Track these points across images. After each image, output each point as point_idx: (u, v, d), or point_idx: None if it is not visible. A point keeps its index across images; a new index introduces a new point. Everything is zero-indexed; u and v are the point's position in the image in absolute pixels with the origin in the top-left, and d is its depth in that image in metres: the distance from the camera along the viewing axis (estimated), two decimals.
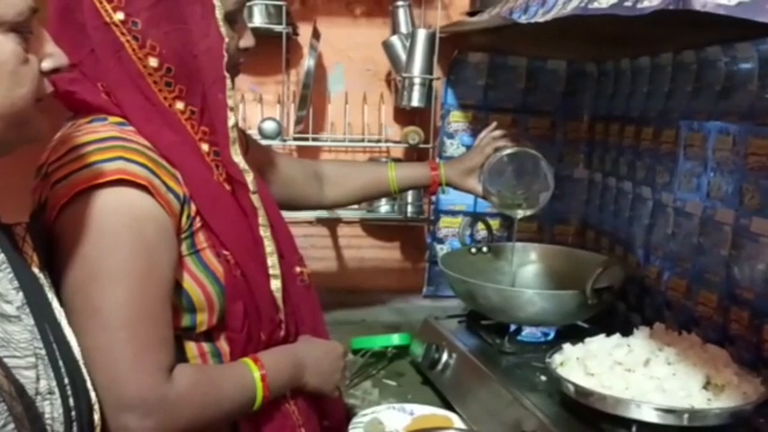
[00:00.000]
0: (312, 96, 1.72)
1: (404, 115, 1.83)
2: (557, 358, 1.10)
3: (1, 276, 0.67)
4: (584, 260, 1.48)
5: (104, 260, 0.80)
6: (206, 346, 0.93)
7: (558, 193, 1.84)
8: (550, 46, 1.66)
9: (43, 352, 0.65)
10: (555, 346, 1.20)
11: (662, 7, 0.64)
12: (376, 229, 1.86)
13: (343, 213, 1.79)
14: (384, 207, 1.80)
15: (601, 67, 1.76)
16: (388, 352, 1.54)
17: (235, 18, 0.95)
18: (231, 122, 0.90)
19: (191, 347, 0.92)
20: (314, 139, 1.77)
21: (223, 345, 0.93)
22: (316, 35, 1.69)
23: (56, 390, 0.65)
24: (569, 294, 1.28)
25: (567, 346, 1.12)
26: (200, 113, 0.90)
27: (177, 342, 0.88)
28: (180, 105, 0.89)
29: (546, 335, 1.39)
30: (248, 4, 1.63)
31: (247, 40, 0.99)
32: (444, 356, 1.37)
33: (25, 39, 0.63)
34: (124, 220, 0.81)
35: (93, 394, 0.73)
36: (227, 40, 0.89)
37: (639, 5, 0.68)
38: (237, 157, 0.92)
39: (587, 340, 1.13)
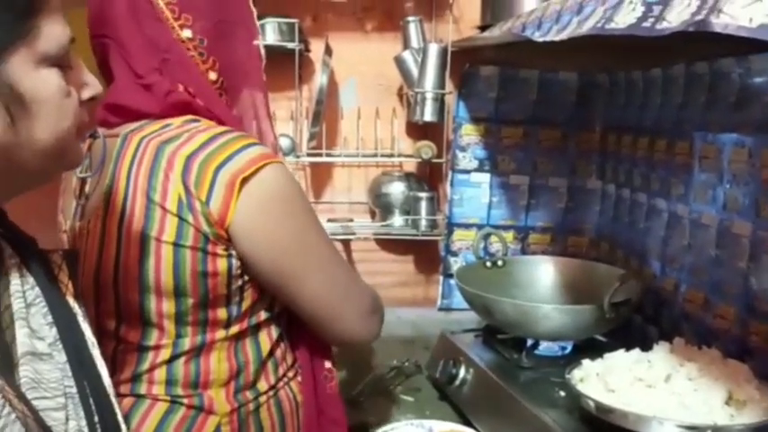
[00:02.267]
0: (325, 112, 1.73)
1: (416, 129, 1.84)
2: (576, 374, 1.10)
3: (35, 311, 0.67)
4: (600, 273, 1.48)
5: (304, 221, 0.93)
6: (275, 332, 1.01)
7: (571, 204, 1.86)
8: (562, 58, 1.66)
9: (74, 390, 0.65)
10: (573, 360, 1.20)
11: (682, 29, 0.64)
12: (389, 242, 1.87)
13: (358, 229, 1.79)
14: (398, 221, 1.80)
15: (612, 78, 1.76)
16: (405, 367, 1.54)
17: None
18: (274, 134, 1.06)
19: (265, 341, 0.99)
20: (327, 155, 1.78)
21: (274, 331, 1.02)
22: (328, 51, 1.70)
23: (85, 429, 0.65)
24: (587, 309, 1.27)
25: (586, 362, 1.12)
26: (245, 125, 1.00)
27: (255, 335, 0.98)
28: (234, 113, 0.99)
29: (563, 349, 1.39)
30: (261, 22, 1.64)
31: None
32: (462, 372, 1.37)
33: (66, 71, 0.63)
34: (296, 187, 0.94)
35: (123, 427, 0.72)
36: (264, 62, 1.01)
37: (659, 26, 0.68)
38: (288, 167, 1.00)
39: (606, 356, 1.12)
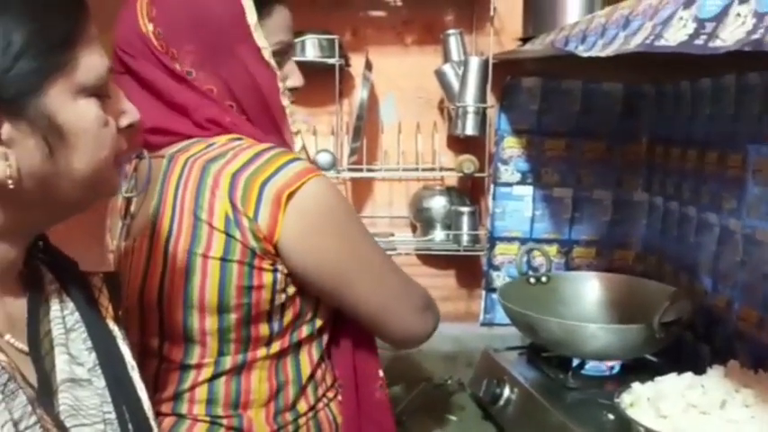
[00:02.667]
0: (365, 126, 1.72)
1: (457, 143, 1.82)
2: (626, 398, 1.06)
3: (74, 337, 0.67)
4: (648, 290, 1.44)
5: (351, 229, 0.96)
6: (315, 352, 1.01)
7: (616, 217, 1.82)
8: (606, 69, 1.63)
9: (113, 416, 0.65)
10: (621, 380, 1.17)
11: (737, 48, 0.61)
12: (431, 257, 1.85)
13: (399, 244, 1.78)
14: (439, 236, 1.78)
15: (659, 88, 1.71)
16: (448, 385, 1.52)
17: (279, 59, 0.99)
18: (298, 147, 1.00)
19: (306, 361, 0.99)
20: (368, 170, 1.77)
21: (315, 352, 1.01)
22: (368, 66, 1.69)
23: None
24: (635, 329, 1.23)
25: (636, 385, 1.08)
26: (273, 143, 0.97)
27: (296, 354, 0.98)
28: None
29: (611, 368, 1.35)
30: (301, 38, 1.65)
31: (294, 80, 1.04)
32: (506, 391, 1.34)
33: (103, 100, 0.64)
34: (340, 198, 0.96)
35: None
36: (278, 73, 0.96)
37: (711, 44, 0.66)
38: None
39: (657, 379, 1.09)
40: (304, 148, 1.02)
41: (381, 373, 1.07)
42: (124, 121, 0.67)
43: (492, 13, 1.65)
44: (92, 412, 0.64)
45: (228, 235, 0.88)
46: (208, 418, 0.94)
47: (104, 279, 0.76)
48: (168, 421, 0.94)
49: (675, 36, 0.71)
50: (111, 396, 0.66)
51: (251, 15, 0.94)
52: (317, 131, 1.79)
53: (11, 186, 0.58)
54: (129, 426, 0.67)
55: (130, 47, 0.94)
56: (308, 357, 1.00)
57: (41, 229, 0.68)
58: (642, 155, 1.78)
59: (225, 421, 0.94)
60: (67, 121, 0.60)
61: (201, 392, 0.94)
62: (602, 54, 0.91)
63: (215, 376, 0.94)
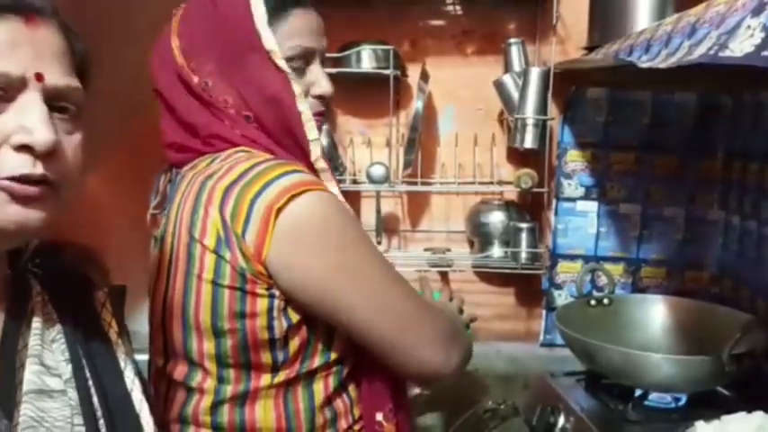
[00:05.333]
0: (421, 138, 1.68)
1: (517, 155, 1.75)
2: None
3: (55, 348, 0.65)
4: (720, 317, 1.34)
5: (348, 248, 0.87)
6: (332, 381, 0.95)
7: (688, 236, 1.71)
8: (679, 79, 1.54)
9: (82, 429, 0.63)
10: (686, 414, 1.09)
11: None
12: (489, 274, 1.78)
13: (455, 260, 1.73)
14: (497, 252, 1.72)
15: (737, 99, 1.60)
16: (501, 409, 1.46)
17: (299, 65, 0.95)
18: (315, 156, 0.93)
19: (320, 390, 0.93)
20: (423, 183, 1.72)
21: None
22: (424, 77, 1.65)
23: None
24: (703, 360, 1.14)
25: (700, 425, 1.00)
26: (291, 152, 0.93)
27: (308, 384, 0.92)
28: (273, 146, 0.93)
29: (677, 400, 1.26)
30: (356, 49, 1.63)
31: (320, 88, 0.98)
32: (561, 420, 1.27)
33: None
34: (335, 213, 0.87)
35: None
36: (291, 77, 0.91)
37: None
38: (334, 189, 0.94)
39: (725, 418, 1.00)
40: (323, 155, 0.95)
41: (380, 417, 0.97)
42: (15, 139, 0.58)
43: (555, 22, 1.59)
44: (58, 424, 0.61)
45: (219, 255, 0.84)
46: None
47: (108, 294, 0.74)
48: None
49: (741, 46, 0.64)
50: (83, 409, 0.63)
51: (260, 20, 0.91)
52: (373, 143, 1.76)
53: None
54: None
55: (160, 64, 0.95)
56: (322, 387, 0.93)
57: None
58: (718, 170, 1.67)
59: None
60: None
61: (206, 419, 0.91)
62: (663, 65, 0.84)
63: (217, 404, 0.90)
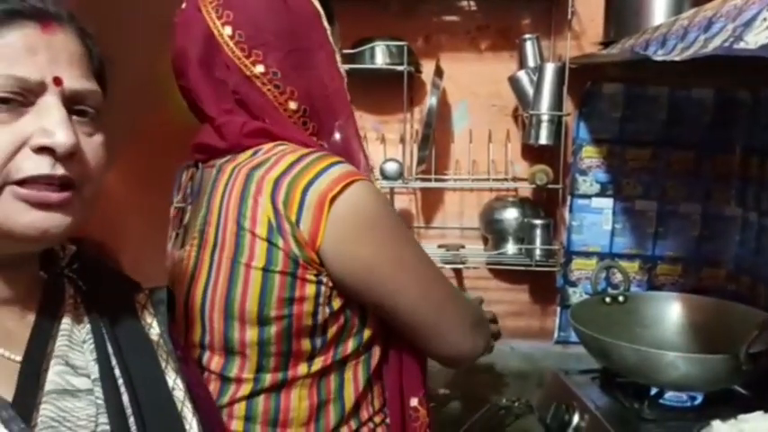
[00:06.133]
0: (435, 135, 1.67)
1: (532, 152, 1.74)
2: None
3: (84, 348, 0.66)
4: (737, 315, 1.32)
5: (395, 237, 0.91)
6: (362, 372, 0.96)
7: (705, 233, 1.69)
8: (696, 74, 1.52)
9: (107, 428, 0.63)
10: (702, 413, 1.08)
11: None
12: (503, 270, 1.77)
13: (469, 257, 1.72)
14: (511, 249, 1.71)
15: (755, 94, 1.58)
16: (515, 407, 1.45)
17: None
18: (365, 152, 0.99)
19: (350, 380, 0.95)
20: (437, 180, 1.72)
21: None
22: (438, 73, 1.64)
23: None
24: (719, 359, 1.13)
25: (716, 424, 0.99)
26: (331, 149, 0.95)
27: (340, 372, 0.94)
28: (314, 140, 0.95)
29: (693, 399, 1.25)
30: (370, 45, 1.62)
31: None
32: (575, 419, 1.26)
33: (7, 108, 0.59)
34: (384, 204, 0.92)
35: None
36: (345, 80, 0.97)
37: None
38: (378, 185, 1.00)
39: (741, 417, 0.99)
40: (364, 153, 1.00)
41: (414, 402, 1.00)
42: (34, 141, 0.59)
43: (570, 17, 1.57)
44: (81, 423, 0.61)
45: (271, 243, 0.85)
46: None
47: (149, 296, 0.75)
48: None
49: (756, 38, 0.63)
50: (109, 407, 0.63)
51: (325, 20, 0.95)
52: (386, 140, 1.76)
53: None
54: None
55: (196, 57, 0.93)
56: (352, 376, 0.95)
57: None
58: (735, 166, 1.66)
59: None
60: None
61: (240, 409, 0.92)
62: (678, 58, 0.83)
63: (254, 393, 0.91)
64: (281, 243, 0.85)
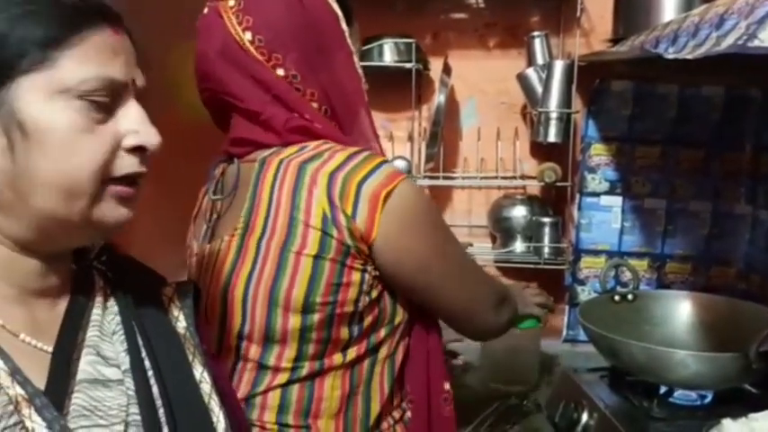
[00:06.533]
0: (444, 132, 1.67)
1: (541, 149, 1.74)
2: None
3: (114, 339, 0.67)
4: (747, 314, 1.31)
5: (440, 230, 0.99)
6: (388, 369, 1.00)
7: (715, 231, 1.69)
8: (706, 72, 1.51)
9: (138, 418, 0.63)
10: (712, 412, 1.07)
11: None
12: (511, 269, 1.77)
13: (477, 255, 1.72)
14: (519, 247, 1.71)
15: (766, 92, 1.57)
16: (524, 405, 1.45)
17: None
18: (382, 151, 1.04)
19: (378, 374, 0.99)
20: (445, 177, 1.72)
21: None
22: (446, 70, 1.64)
23: None
24: (729, 357, 1.12)
25: (726, 422, 0.98)
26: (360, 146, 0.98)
27: (371, 366, 0.98)
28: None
29: (702, 398, 1.24)
30: (378, 43, 1.62)
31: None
32: (584, 417, 1.26)
33: (102, 110, 0.61)
34: (430, 200, 1.03)
35: None
36: (363, 80, 1.00)
37: None
38: None
39: (752, 416, 0.98)
40: (383, 153, 1.04)
41: (447, 386, 1.05)
42: (128, 141, 0.63)
43: (579, 14, 1.57)
44: (112, 413, 0.62)
45: (325, 233, 0.89)
46: (276, 427, 0.94)
47: (176, 289, 0.76)
48: None
49: None
50: (139, 398, 0.64)
51: (343, 22, 0.97)
52: (395, 137, 1.75)
53: None
54: (165, 429, 0.64)
55: (223, 59, 0.95)
56: (380, 369, 0.98)
57: (45, 245, 0.64)
58: (745, 164, 1.65)
59: (293, 431, 0.94)
60: (33, 117, 0.58)
61: (274, 397, 0.94)
62: (690, 56, 0.82)
63: (290, 381, 0.94)
64: (335, 233, 0.89)
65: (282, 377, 0.93)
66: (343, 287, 0.91)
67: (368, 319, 0.94)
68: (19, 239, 0.62)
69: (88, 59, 0.60)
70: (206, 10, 0.98)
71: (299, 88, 0.94)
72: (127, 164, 0.63)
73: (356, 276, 0.91)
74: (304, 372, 0.93)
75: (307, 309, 0.90)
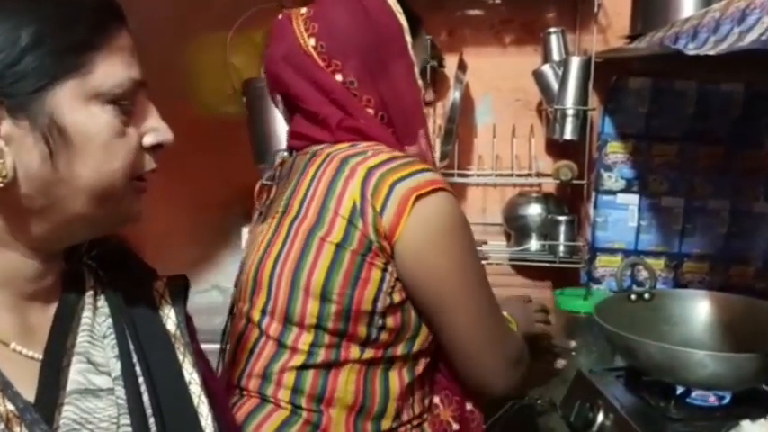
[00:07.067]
0: (459, 129, 1.66)
1: (556, 147, 1.72)
2: None
3: (105, 344, 0.65)
4: (766, 313, 1.29)
5: (468, 254, 0.95)
6: (407, 375, 0.99)
7: (734, 229, 1.66)
8: (725, 69, 1.49)
9: (129, 429, 0.62)
10: (731, 413, 1.06)
11: None
12: (526, 267, 1.76)
13: (492, 253, 1.71)
14: (534, 246, 1.70)
15: None
16: (539, 405, 1.43)
17: (420, 77, 1.05)
18: (438, 164, 1.09)
19: (395, 380, 0.98)
20: (459, 175, 1.71)
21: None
22: (461, 67, 1.63)
23: None
24: (748, 358, 1.10)
25: (746, 424, 0.97)
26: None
27: (386, 371, 0.97)
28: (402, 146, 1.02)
29: (721, 399, 1.22)
30: None
31: (429, 96, 1.11)
32: (600, 417, 1.24)
33: (126, 112, 0.61)
34: (465, 219, 0.95)
35: None
36: (423, 91, 1.02)
37: None
38: None
39: None
40: (435, 165, 1.07)
41: (470, 406, 1.05)
42: (149, 139, 0.64)
43: (596, 10, 1.55)
44: (102, 425, 0.61)
45: (351, 223, 0.90)
46: (290, 407, 0.95)
47: (167, 284, 0.74)
48: (253, 402, 0.97)
49: None
50: (131, 408, 0.63)
51: (407, 33, 1.00)
52: None
53: (1, 185, 0.56)
54: None
55: (288, 62, 1.01)
56: (398, 377, 0.98)
57: (56, 244, 0.64)
58: (764, 162, 1.63)
59: (305, 414, 0.95)
60: (73, 125, 0.58)
61: (289, 378, 0.95)
62: (712, 52, 0.81)
63: (305, 366, 0.95)
64: (360, 225, 0.90)
65: (298, 359, 0.95)
66: (362, 282, 0.91)
67: (390, 325, 0.95)
68: (34, 241, 0.62)
69: (116, 62, 0.60)
70: (280, 15, 1.04)
71: (355, 94, 0.99)
72: (147, 163, 0.64)
73: (376, 274, 0.92)
74: (319, 359, 0.94)
75: (325, 296, 0.92)
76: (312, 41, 0.99)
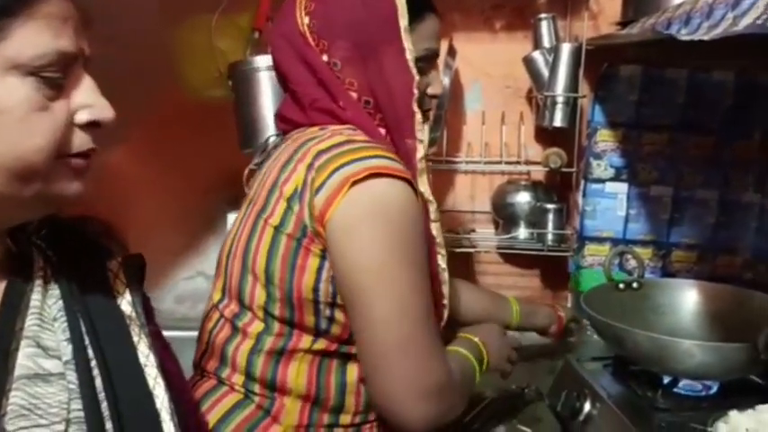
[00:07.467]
0: (447, 116, 1.64)
1: (546, 135, 1.71)
2: (721, 428, 0.95)
3: (56, 327, 0.62)
4: (755, 303, 1.29)
5: (395, 244, 0.86)
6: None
7: (722, 219, 1.66)
8: (717, 56, 1.48)
9: (81, 414, 0.59)
10: (718, 403, 1.05)
11: None
12: (514, 255, 1.75)
13: (480, 241, 1.70)
14: (523, 234, 1.68)
15: None
16: (525, 394, 1.43)
17: (425, 65, 1.02)
18: (419, 155, 0.97)
19: (354, 370, 0.95)
20: (448, 162, 1.69)
21: None
22: (451, 53, 1.61)
23: None
24: (736, 348, 1.10)
25: (733, 414, 0.96)
26: (397, 144, 0.98)
27: (343, 364, 0.95)
28: (381, 131, 0.98)
29: (708, 389, 1.22)
30: None
31: (436, 88, 1.06)
32: (587, 406, 1.23)
33: (53, 86, 0.57)
34: (408, 209, 0.87)
35: None
36: (417, 78, 0.97)
37: None
38: (423, 187, 0.98)
39: (759, 408, 0.96)
40: (425, 159, 0.99)
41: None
42: (82, 116, 0.60)
43: None
44: (53, 411, 0.58)
45: (289, 206, 0.89)
46: (243, 390, 0.95)
47: (122, 264, 0.71)
48: (207, 384, 0.98)
49: None
50: (82, 392, 0.60)
51: (403, 18, 0.96)
52: None
53: None
54: (108, 424, 0.60)
55: (285, 40, 0.99)
56: (356, 372, 0.96)
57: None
58: (754, 152, 1.62)
59: (257, 399, 0.94)
60: None
61: (241, 362, 0.95)
62: (706, 37, 0.79)
63: (256, 351, 0.94)
64: (296, 208, 0.88)
65: (248, 343, 0.94)
66: (299, 269, 0.89)
67: (339, 318, 0.92)
68: None
69: (39, 31, 0.56)
70: None
71: (338, 76, 0.96)
72: (80, 141, 0.60)
73: (313, 261, 0.89)
74: (267, 345, 0.93)
75: (268, 279, 0.91)
76: (307, 20, 0.98)
